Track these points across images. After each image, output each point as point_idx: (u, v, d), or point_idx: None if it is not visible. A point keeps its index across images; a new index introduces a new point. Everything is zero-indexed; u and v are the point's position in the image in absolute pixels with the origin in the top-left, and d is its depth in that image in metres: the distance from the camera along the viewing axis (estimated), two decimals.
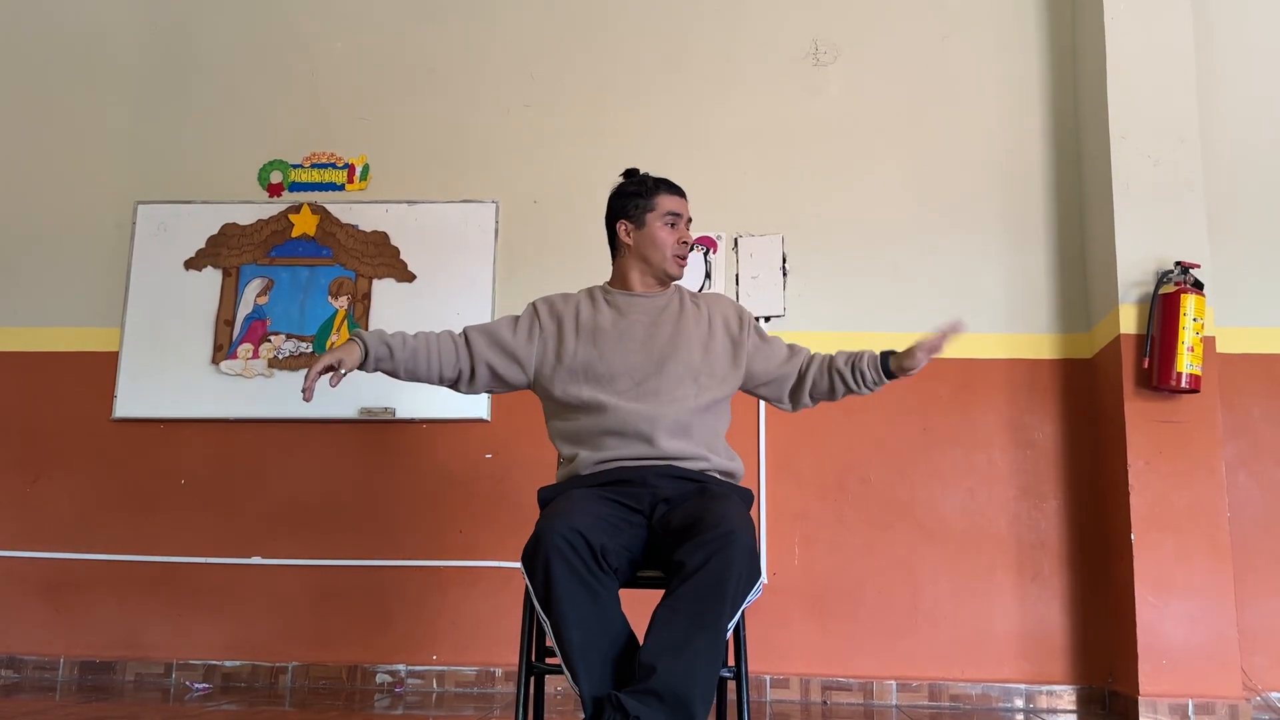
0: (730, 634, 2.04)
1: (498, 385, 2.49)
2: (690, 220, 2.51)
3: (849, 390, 2.47)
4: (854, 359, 2.45)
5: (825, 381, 2.48)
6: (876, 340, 3.67)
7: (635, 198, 2.47)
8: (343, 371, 2.31)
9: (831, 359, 2.48)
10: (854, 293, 3.79)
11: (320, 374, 2.28)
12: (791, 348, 2.54)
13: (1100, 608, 3.50)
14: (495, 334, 2.46)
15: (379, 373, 2.43)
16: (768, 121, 3.92)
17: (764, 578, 2.15)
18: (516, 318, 2.51)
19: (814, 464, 3.68)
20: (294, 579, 3.72)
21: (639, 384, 2.34)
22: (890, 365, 2.41)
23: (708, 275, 3.80)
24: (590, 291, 2.53)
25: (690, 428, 2.33)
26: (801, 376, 2.50)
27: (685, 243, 2.48)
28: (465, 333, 2.48)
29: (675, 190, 2.50)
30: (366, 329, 3.77)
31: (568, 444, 2.40)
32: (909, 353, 2.38)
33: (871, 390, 2.46)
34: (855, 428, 3.67)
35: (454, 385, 2.48)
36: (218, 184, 4.02)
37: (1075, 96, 3.84)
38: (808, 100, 3.93)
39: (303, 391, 2.27)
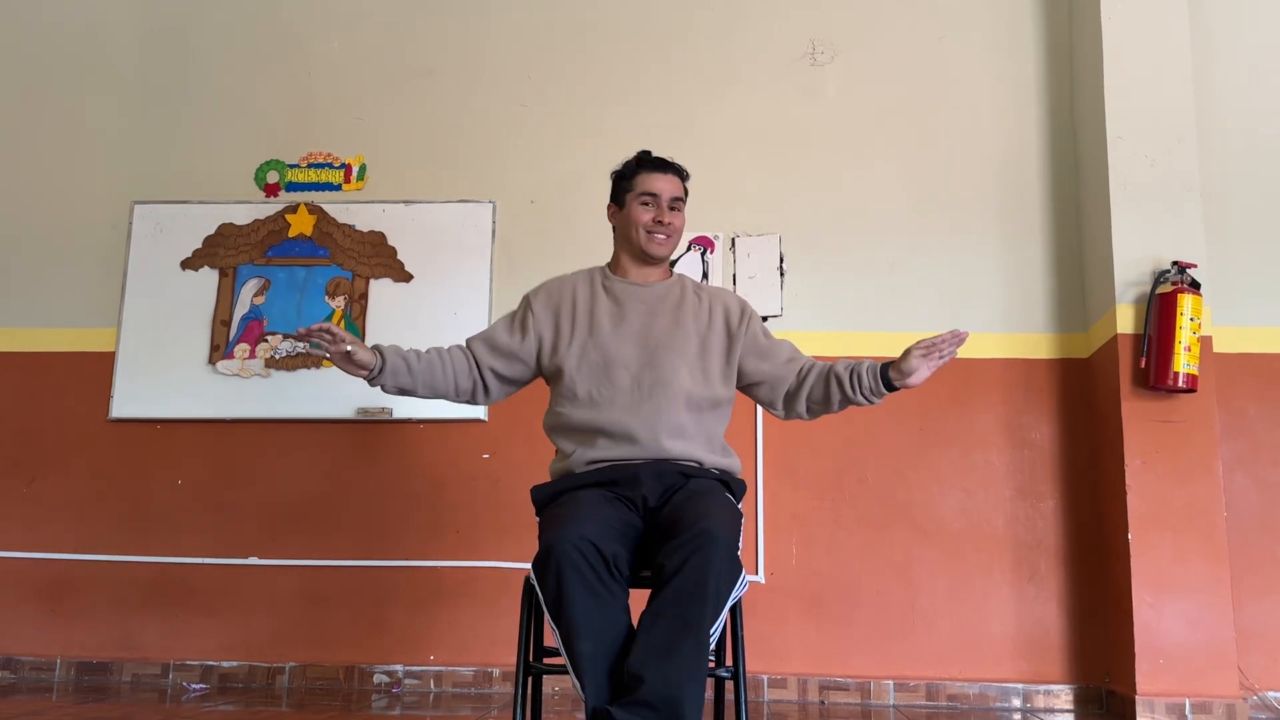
0: (720, 632, 2.03)
1: (511, 387, 2.48)
2: (679, 199, 2.43)
3: (846, 398, 2.36)
4: (854, 366, 2.35)
5: (822, 388, 2.39)
6: (874, 340, 3.71)
7: (621, 179, 2.46)
8: (347, 349, 2.23)
9: (832, 366, 2.40)
10: (851, 292, 3.79)
11: (328, 335, 2.21)
12: (795, 353, 2.46)
13: (1097, 607, 3.50)
14: (493, 339, 2.45)
15: (398, 391, 2.36)
16: (765, 122, 3.92)
17: (747, 576, 2.12)
18: (513, 315, 2.49)
19: (812, 464, 3.68)
20: (291, 579, 3.72)
21: (635, 376, 2.32)
22: (890, 374, 2.31)
23: (705, 275, 3.80)
24: (590, 274, 2.50)
25: (685, 428, 2.31)
26: (800, 381, 2.42)
27: (661, 221, 2.41)
28: (468, 343, 2.46)
29: (659, 168, 2.44)
30: (364, 329, 3.81)
31: (561, 438, 2.38)
32: (905, 357, 2.28)
33: (869, 400, 2.35)
34: (853, 428, 3.67)
35: (470, 399, 2.45)
36: (214, 184, 4.01)
37: (1072, 96, 3.84)
38: (805, 100, 3.93)
39: (297, 331, 2.20)
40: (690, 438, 2.32)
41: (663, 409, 2.30)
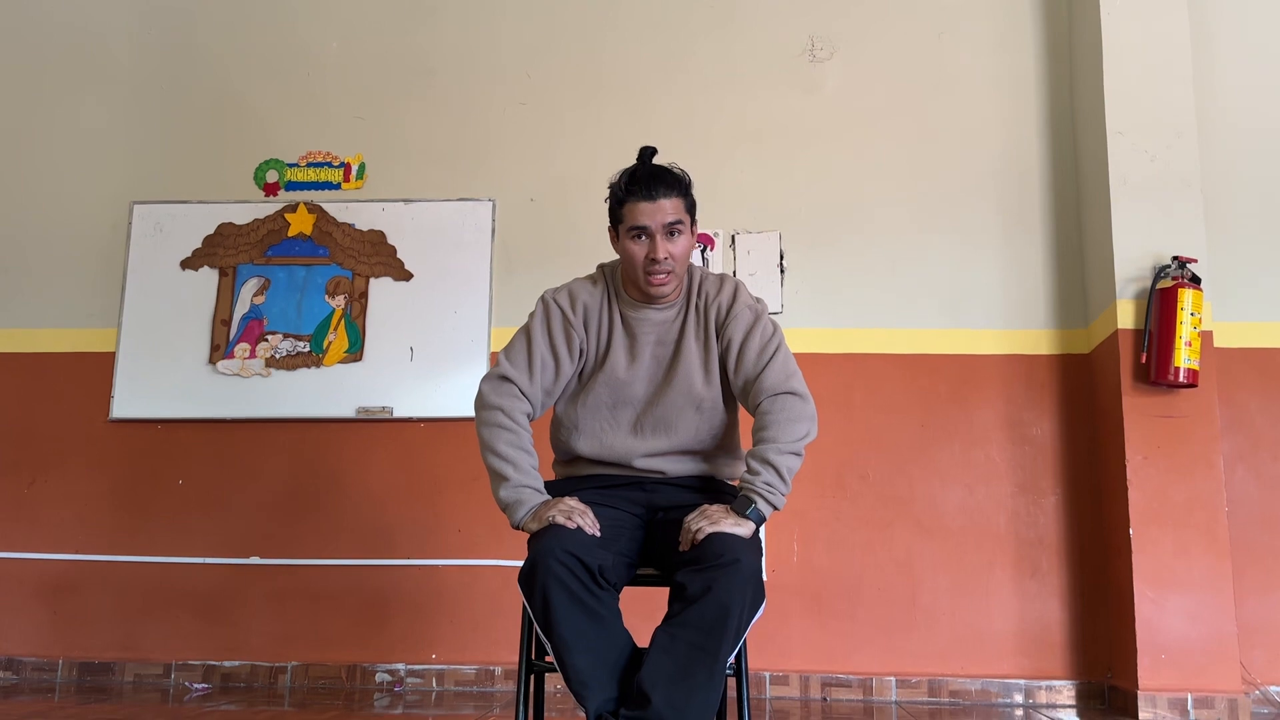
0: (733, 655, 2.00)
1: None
2: (677, 222, 2.15)
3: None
4: (743, 480, 2.12)
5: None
6: (874, 336, 3.71)
7: (613, 206, 2.21)
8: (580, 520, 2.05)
9: (751, 452, 2.15)
10: (852, 288, 3.78)
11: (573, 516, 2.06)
12: (767, 386, 2.16)
13: (1099, 603, 3.50)
14: (548, 369, 2.23)
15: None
16: (765, 118, 3.91)
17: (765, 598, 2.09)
18: (561, 335, 2.24)
19: (813, 461, 3.66)
20: (292, 579, 3.72)
21: (639, 415, 2.25)
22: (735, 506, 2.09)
23: None
24: (605, 289, 2.28)
25: (693, 455, 2.27)
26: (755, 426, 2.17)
27: (655, 259, 2.13)
28: (522, 390, 2.22)
29: (646, 194, 2.13)
30: (363, 328, 3.81)
31: (563, 459, 2.35)
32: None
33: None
34: (854, 425, 3.67)
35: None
36: (214, 184, 4.01)
37: (1072, 92, 3.84)
38: (804, 97, 3.93)
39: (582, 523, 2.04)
40: (700, 463, 2.28)
41: (672, 444, 2.25)
